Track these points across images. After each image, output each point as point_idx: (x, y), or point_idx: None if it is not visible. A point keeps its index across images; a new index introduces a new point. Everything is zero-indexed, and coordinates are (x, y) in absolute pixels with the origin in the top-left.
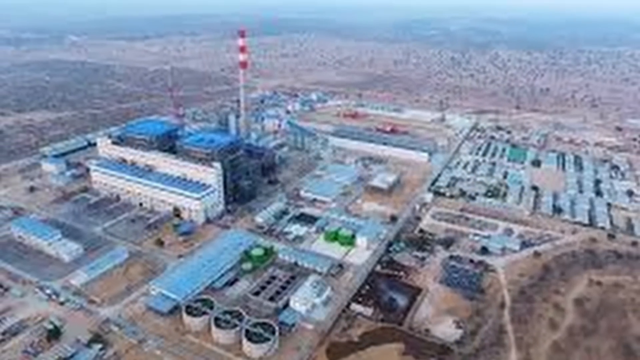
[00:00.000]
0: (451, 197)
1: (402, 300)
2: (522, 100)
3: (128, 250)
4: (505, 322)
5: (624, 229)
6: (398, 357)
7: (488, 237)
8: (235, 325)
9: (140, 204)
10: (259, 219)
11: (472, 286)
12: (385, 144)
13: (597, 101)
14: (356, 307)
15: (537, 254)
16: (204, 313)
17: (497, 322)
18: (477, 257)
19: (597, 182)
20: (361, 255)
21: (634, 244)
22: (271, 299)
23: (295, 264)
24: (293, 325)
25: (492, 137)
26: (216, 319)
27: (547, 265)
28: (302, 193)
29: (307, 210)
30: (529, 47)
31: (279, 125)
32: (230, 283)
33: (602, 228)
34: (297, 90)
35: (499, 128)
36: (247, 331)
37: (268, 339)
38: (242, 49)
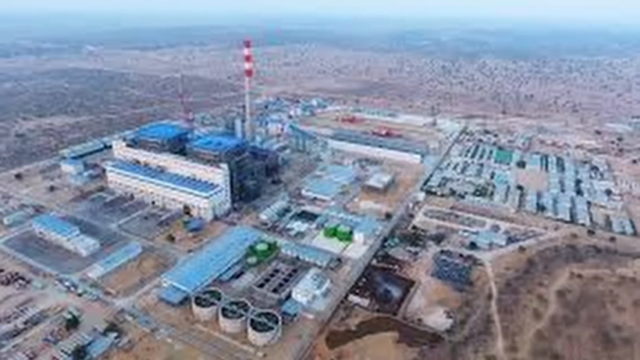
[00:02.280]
0: (442, 195)
1: (396, 292)
2: (508, 106)
3: (141, 246)
4: (492, 312)
5: (602, 225)
6: (393, 345)
7: (476, 233)
8: (241, 315)
9: (153, 203)
10: (263, 216)
11: (462, 279)
12: (380, 146)
13: (577, 107)
14: (354, 298)
15: (522, 249)
16: (212, 304)
17: (485, 312)
18: (466, 252)
19: (578, 182)
20: (358, 250)
21: (612, 239)
22: (274, 290)
23: (297, 258)
24: (295, 315)
25: (480, 140)
26: (223, 309)
27: (532, 259)
28: (303, 192)
29: (308, 208)
30: (515, 56)
31: (282, 129)
32: (237, 276)
33: (583, 225)
34: (298, 97)
35: (486, 132)
36: (252, 320)
37: (272, 328)
38: (248, 58)
